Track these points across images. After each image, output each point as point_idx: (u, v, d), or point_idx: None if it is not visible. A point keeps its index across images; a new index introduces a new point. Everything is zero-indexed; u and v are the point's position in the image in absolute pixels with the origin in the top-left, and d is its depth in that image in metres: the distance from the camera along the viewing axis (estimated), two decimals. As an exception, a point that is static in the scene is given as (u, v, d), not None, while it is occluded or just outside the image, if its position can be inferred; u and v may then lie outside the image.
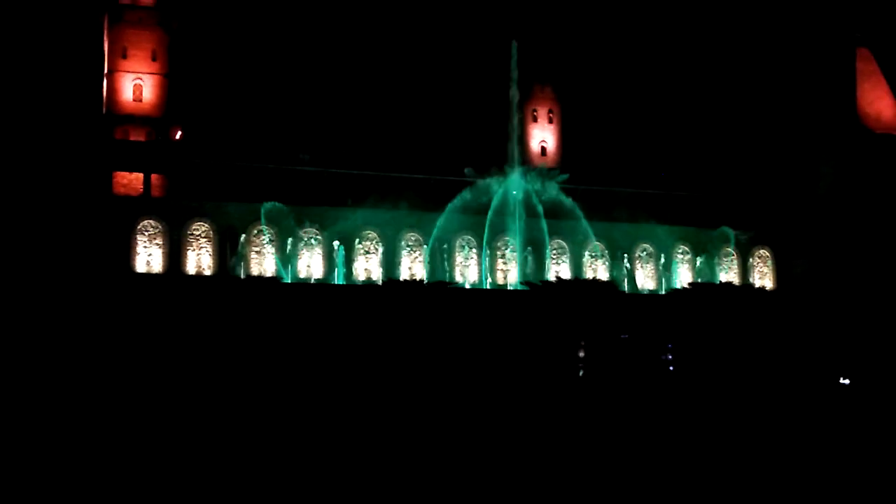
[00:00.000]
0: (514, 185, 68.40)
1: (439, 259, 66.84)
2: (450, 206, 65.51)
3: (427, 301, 58.39)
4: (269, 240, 64.40)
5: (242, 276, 61.99)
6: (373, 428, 37.53)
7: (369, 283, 64.16)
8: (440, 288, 61.13)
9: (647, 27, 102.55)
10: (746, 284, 71.68)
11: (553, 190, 67.82)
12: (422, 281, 63.05)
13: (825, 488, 26.04)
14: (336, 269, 64.60)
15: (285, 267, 63.85)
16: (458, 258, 67.90)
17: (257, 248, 64.35)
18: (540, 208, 67.36)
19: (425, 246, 66.88)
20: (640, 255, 71.87)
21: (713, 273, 72.05)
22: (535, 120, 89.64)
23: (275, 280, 60.69)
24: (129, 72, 76.18)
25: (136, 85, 76.10)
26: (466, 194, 65.74)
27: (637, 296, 67.81)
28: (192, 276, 62.48)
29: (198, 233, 63.43)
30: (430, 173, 69.62)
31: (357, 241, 65.87)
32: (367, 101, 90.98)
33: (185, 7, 79.00)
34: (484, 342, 55.88)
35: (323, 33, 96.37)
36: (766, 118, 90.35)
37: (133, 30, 76.42)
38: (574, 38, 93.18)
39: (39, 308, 52.35)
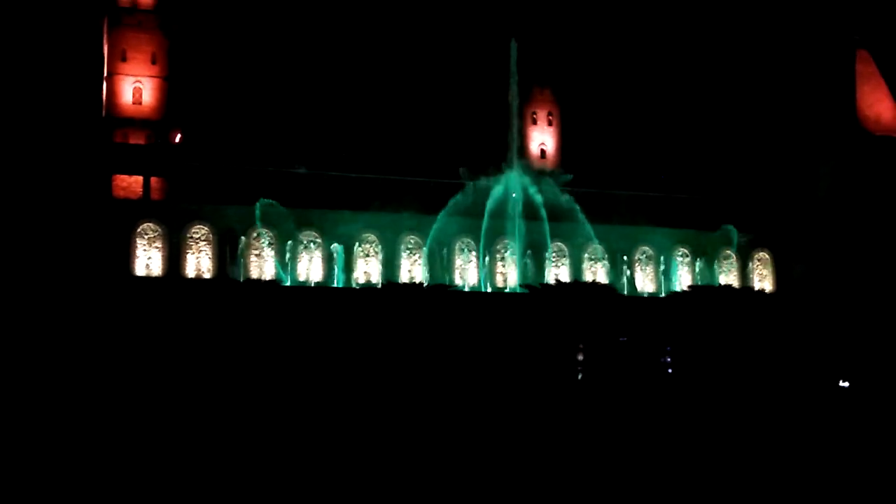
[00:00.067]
0: (513, 187, 68.42)
1: (438, 262, 66.83)
2: (445, 209, 65.49)
3: (426, 304, 58.39)
4: (269, 243, 64.41)
5: (241, 280, 61.98)
6: (373, 430, 37.52)
7: (369, 286, 64.16)
8: (440, 291, 61.13)
9: (646, 29, 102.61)
10: (746, 287, 71.64)
11: (556, 192, 67.83)
12: (421, 284, 63.04)
13: (825, 490, 26.04)
14: (335, 272, 64.62)
15: (284, 270, 63.86)
16: (458, 261, 67.90)
17: (257, 251, 64.35)
18: (542, 210, 67.37)
19: (425, 249, 66.90)
20: (639, 258, 71.85)
21: (713, 276, 72.03)
22: (534, 122, 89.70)
23: (274, 283, 60.69)
24: (128, 75, 76.24)
25: (136, 88, 76.16)
26: (462, 197, 65.75)
27: (636, 299, 67.79)
28: (191, 279, 62.48)
29: (197, 236, 63.43)
30: (430, 176, 69.69)
31: (357, 244, 65.87)
32: (367, 103, 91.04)
33: (184, 10, 79.08)
34: (483, 345, 55.87)
35: (322, 36, 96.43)
36: (766, 120, 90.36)
37: (133, 33, 76.49)
38: (573, 41, 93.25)
39: (39, 311, 52.36)
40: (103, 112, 76.59)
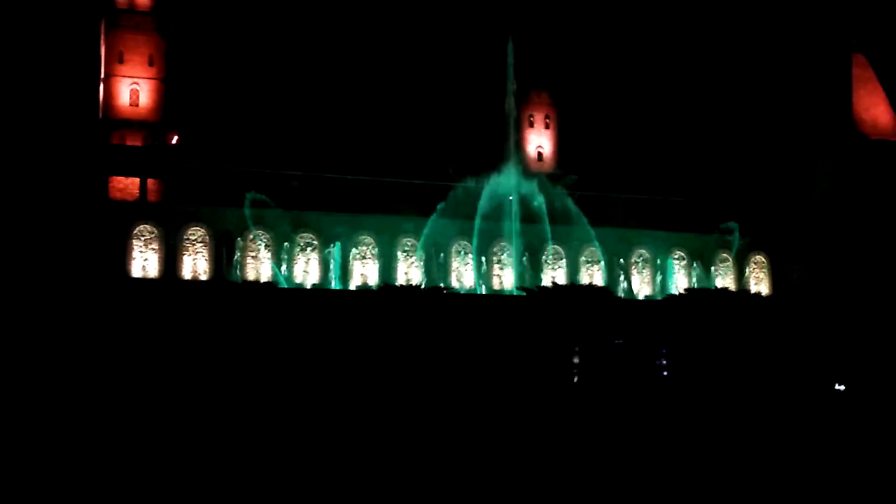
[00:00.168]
0: (509, 190, 68.46)
1: (432, 264, 66.82)
2: (436, 211, 65.50)
3: (423, 306, 58.39)
4: (265, 245, 64.41)
5: (238, 281, 61.97)
6: (370, 432, 37.52)
7: (365, 288, 64.18)
8: (436, 293, 61.15)
9: (643, 32, 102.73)
10: (742, 290, 71.72)
11: (555, 194, 67.88)
12: (418, 286, 63.06)
13: (820, 494, 26.07)
14: (332, 267, 64.51)
15: (281, 271, 63.84)
16: (455, 263, 67.94)
17: (253, 253, 64.34)
18: (544, 211, 67.40)
19: (419, 250, 66.94)
20: (636, 261, 71.92)
21: (709, 279, 72.10)
22: (531, 125, 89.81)
23: (270, 285, 60.66)
24: (125, 76, 76.30)
25: (133, 90, 76.19)
26: (454, 199, 65.76)
27: (633, 301, 67.87)
28: (187, 281, 62.48)
29: (194, 238, 63.43)
30: (427, 178, 69.73)
31: (353, 245, 65.88)
32: (364, 105, 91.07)
33: (181, 12, 79.08)
34: (479, 348, 55.87)
35: (319, 39, 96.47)
36: (763, 124, 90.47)
37: (130, 34, 76.55)
38: (571, 43, 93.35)
39: (36, 313, 52.28)
40: (100, 113, 76.62)
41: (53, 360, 49.71)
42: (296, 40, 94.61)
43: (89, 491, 25.13)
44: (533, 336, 57.66)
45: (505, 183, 68.47)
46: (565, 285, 65.90)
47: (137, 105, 76.19)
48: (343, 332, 55.45)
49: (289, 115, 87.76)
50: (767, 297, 72.27)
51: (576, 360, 58.60)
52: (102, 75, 77.01)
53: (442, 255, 67.28)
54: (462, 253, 67.97)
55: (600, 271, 70.32)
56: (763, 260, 74.96)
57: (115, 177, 68.44)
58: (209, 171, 67.30)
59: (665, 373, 59.63)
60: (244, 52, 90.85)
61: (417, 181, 69.77)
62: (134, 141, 74.79)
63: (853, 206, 73.87)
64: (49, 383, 47.52)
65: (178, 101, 78.07)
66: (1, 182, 60.08)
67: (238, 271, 63.12)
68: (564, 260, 69.68)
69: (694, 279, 71.72)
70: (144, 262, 62.14)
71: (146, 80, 76.55)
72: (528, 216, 68.14)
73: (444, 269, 67.40)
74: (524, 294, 63.38)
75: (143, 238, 62.46)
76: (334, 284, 64.42)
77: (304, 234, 65.23)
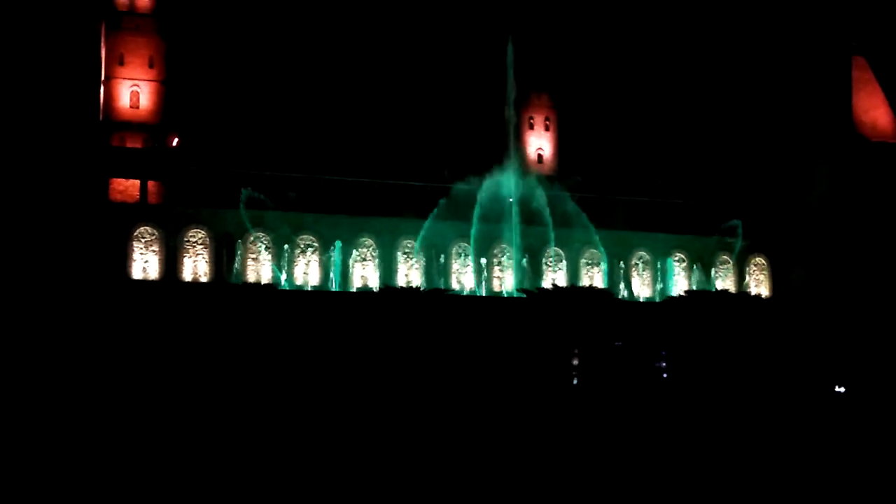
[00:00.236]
0: (510, 192, 68.50)
1: (432, 266, 66.80)
2: (433, 213, 65.50)
3: (423, 308, 58.39)
4: (265, 247, 64.42)
5: (239, 283, 61.97)
6: (370, 434, 37.55)
7: (366, 290, 64.19)
8: (436, 295, 61.14)
9: (643, 35, 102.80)
10: (742, 292, 71.73)
11: (556, 196, 67.90)
12: (418, 288, 63.06)
13: (820, 495, 26.09)
14: (333, 264, 64.45)
15: (281, 272, 63.82)
16: (455, 265, 67.95)
17: (253, 255, 64.35)
18: (548, 214, 67.43)
19: (415, 252, 66.93)
20: (636, 263, 71.93)
21: (709, 280, 72.12)
22: (531, 127, 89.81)
23: (270, 287, 60.65)
24: (126, 78, 76.31)
25: (133, 92, 76.20)
26: (450, 200, 65.77)
27: (633, 303, 67.85)
28: (188, 282, 62.48)
29: (194, 240, 63.43)
30: (427, 181, 69.71)
31: (354, 248, 65.90)
32: (365, 108, 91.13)
33: (182, 14, 79.13)
34: (479, 350, 55.89)
35: (319, 40, 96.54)
36: (763, 126, 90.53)
37: (130, 37, 76.55)
38: (571, 45, 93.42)
39: (36, 315, 52.30)
40: (101, 116, 76.62)
41: (54, 362, 49.73)
42: (296, 42, 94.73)
43: (89, 491, 25.15)
44: (533, 338, 57.69)
45: (505, 185, 68.50)
46: (565, 287, 65.89)
47: (138, 107, 76.20)
48: (343, 335, 55.47)
49: (289, 118, 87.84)
50: (767, 300, 72.25)
51: (575, 362, 58.63)
52: (103, 77, 77.02)
53: (442, 256, 67.26)
54: (462, 255, 67.98)
55: (600, 273, 70.33)
56: (763, 262, 74.96)
57: (115, 179, 68.44)
58: (209, 174, 67.28)
59: (665, 374, 59.66)
60: (244, 55, 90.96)
61: (418, 183, 69.74)
62: (134, 143, 74.81)
63: (853, 208, 73.90)
64: (50, 384, 47.56)
65: (179, 104, 78.12)
66: (2, 184, 60.09)
67: (238, 273, 63.11)
68: (564, 262, 69.64)
69: (694, 281, 71.73)
70: (145, 263, 62.15)
71: (146, 82, 76.56)
72: (529, 218, 68.13)
73: (445, 272, 67.39)
74: (524, 296, 63.37)
75: (143, 240, 62.46)
76: (335, 277, 64.37)
77: (304, 236, 65.23)
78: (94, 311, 53.27)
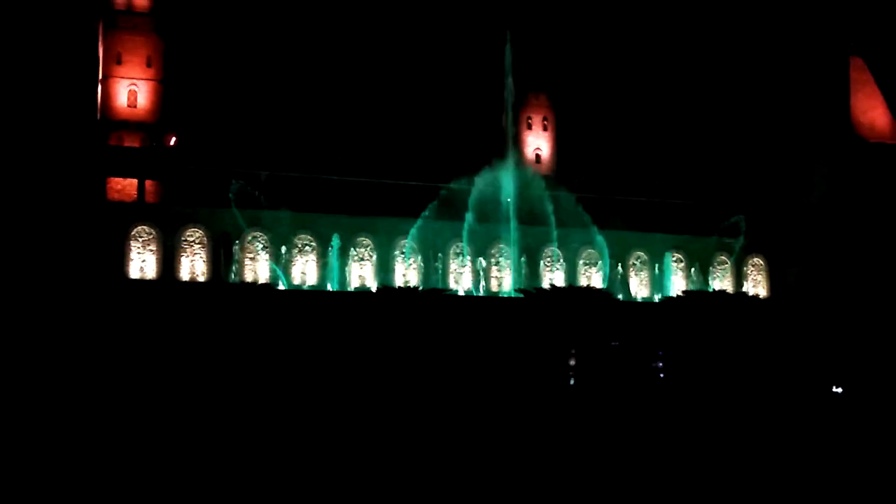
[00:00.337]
0: (507, 192, 68.55)
1: (429, 265, 66.79)
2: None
3: (421, 308, 58.39)
4: (263, 246, 64.40)
5: (237, 283, 61.96)
6: (368, 434, 37.52)
7: (363, 290, 64.19)
8: (434, 295, 61.13)
9: (642, 35, 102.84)
10: (740, 292, 71.79)
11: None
12: (416, 288, 63.05)
13: (819, 496, 26.08)
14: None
15: (279, 269, 63.79)
16: (453, 265, 67.95)
17: (251, 255, 64.33)
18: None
19: (412, 252, 66.94)
20: (633, 263, 71.99)
21: (707, 281, 72.18)
22: (529, 127, 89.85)
23: (268, 286, 60.64)
24: (123, 78, 76.30)
25: (131, 91, 76.18)
26: (456, 201, 65.80)
27: (630, 304, 67.89)
28: (185, 282, 62.46)
29: (192, 239, 63.41)
30: (425, 180, 69.72)
31: (351, 247, 65.91)
32: (363, 107, 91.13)
33: (179, 13, 79.11)
34: (476, 350, 55.88)
35: (317, 40, 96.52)
36: (760, 126, 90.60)
37: (128, 36, 76.55)
38: (569, 46, 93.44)
39: (33, 314, 52.24)
40: (98, 115, 76.61)
41: (52, 362, 49.67)
42: (294, 41, 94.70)
43: (89, 491, 25.12)
44: (530, 338, 57.68)
45: (503, 184, 68.56)
46: (563, 287, 65.91)
47: (135, 106, 76.17)
48: (341, 334, 55.45)
49: (287, 117, 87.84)
50: (765, 300, 72.31)
51: (572, 363, 58.64)
52: (100, 76, 77.00)
53: (440, 256, 67.26)
54: (460, 255, 68.00)
55: (598, 273, 70.37)
56: (761, 262, 75.04)
57: (112, 178, 68.44)
58: (207, 173, 67.26)
59: (661, 375, 59.68)
60: (242, 54, 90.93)
61: (415, 183, 69.75)
62: (132, 142, 74.79)
63: (851, 208, 73.97)
64: (48, 384, 47.49)
65: (177, 103, 78.12)
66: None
67: (235, 272, 63.09)
68: (563, 262, 69.67)
69: (691, 281, 71.77)
70: (142, 263, 62.11)
71: (144, 81, 76.55)
72: (527, 218, 68.18)
73: (443, 272, 67.39)
74: (522, 296, 63.39)
75: (140, 239, 62.42)
76: (333, 273, 64.36)
77: (302, 236, 65.22)
78: (91, 310, 53.21)
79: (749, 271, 74.45)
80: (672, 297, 67.62)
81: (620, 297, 67.76)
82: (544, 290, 64.28)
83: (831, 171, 77.03)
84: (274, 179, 67.51)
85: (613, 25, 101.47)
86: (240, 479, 27.07)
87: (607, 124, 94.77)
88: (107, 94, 76.17)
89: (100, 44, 77.77)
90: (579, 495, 25.80)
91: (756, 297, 71.49)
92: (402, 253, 66.99)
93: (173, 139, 77.04)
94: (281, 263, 64.14)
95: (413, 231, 65.82)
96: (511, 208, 68.18)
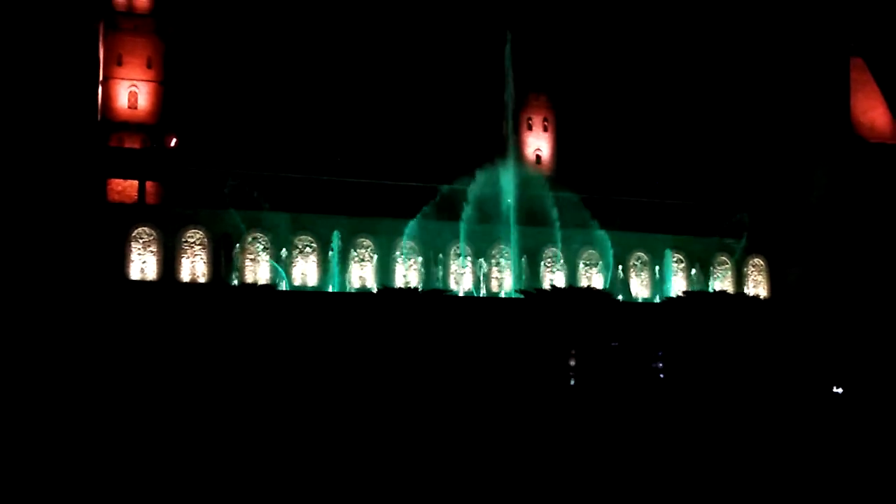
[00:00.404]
0: (508, 192, 68.60)
1: (427, 266, 66.81)
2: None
3: (421, 309, 58.41)
4: (263, 247, 64.43)
5: (236, 284, 62.01)
6: (368, 434, 37.54)
7: (364, 291, 64.22)
8: (435, 296, 61.15)
9: (642, 36, 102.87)
10: (740, 293, 71.77)
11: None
12: (416, 289, 63.07)
13: (819, 496, 26.09)
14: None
15: (279, 265, 63.80)
16: (454, 266, 67.97)
17: (252, 256, 64.36)
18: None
19: (412, 253, 66.97)
20: (634, 264, 72.00)
21: (707, 281, 72.19)
22: (530, 128, 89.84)
23: (269, 287, 60.68)
24: (124, 79, 76.31)
25: (132, 92, 76.19)
26: (450, 201, 65.84)
27: (631, 304, 67.89)
28: (186, 283, 62.48)
29: (192, 240, 63.45)
30: (425, 181, 69.72)
31: (352, 248, 65.94)
32: (363, 109, 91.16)
33: (180, 15, 79.14)
34: (477, 350, 55.90)
35: (317, 41, 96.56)
36: (761, 127, 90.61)
37: (129, 37, 76.55)
38: (570, 46, 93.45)
39: (33, 315, 52.27)
40: (99, 116, 76.61)
41: (52, 363, 49.69)
42: (294, 43, 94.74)
43: (89, 491, 25.14)
44: (530, 339, 57.70)
45: (504, 185, 68.61)
46: (564, 288, 65.92)
47: (136, 107, 76.18)
48: (342, 335, 55.46)
49: (287, 118, 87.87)
50: (765, 300, 72.30)
51: (572, 363, 58.66)
52: (101, 78, 77.02)
53: (440, 257, 67.29)
54: (461, 255, 68.02)
55: (599, 274, 70.39)
56: (761, 263, 75.05)
57: (113, 179, 68.44)
58: (208, 174, 67.28)
59: (661, 375, 59.70)
60: (243, 55, 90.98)
61: (416, 184, 69.74)
62: (132, 143, 74.80)
63: (851, 209, 73.95)
64: (48, 385, 47.51)
65: (177, 104, 78.13)
66: (0, 184, 60.08)
67: (236, 274, 63.12)
68: (563, 263, 69.68)
69: (692, 282, 71.78)
70: (143, 264, 62.15)
71: (145, 82, 76.55)
72: (527, 219, 68.22)
73: (444, 272, 67.41)
74: (522, 297, 63.39)
75: (141, 240, 62.46)
76: (332, 287, 64.41)
77: (303, 237, 65.25)
78: (92, 311, 53.24)
79: (749, 272, 74.45)
80: (672, 298, 67.63)
81: (621, 297, 67.80)
82: (545, 290, 64.29)
83: (831, 171, 77.02)
84: (274, 181, 67.54)
85: (614, 26, 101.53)
86: (241, 479, 27.09)
87: (608, 125, 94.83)
88: (107, 96, 76.19)
89: (100, 45, 77.80)
90: (579, 495, 25.81)
91: (756, 297, 71.47)
92: (402, 253, 66.99)
93: (174, 140, 77.07)
94: (282, 264, 64.16)
95: (408, 230, 65.82)
96: (511, 209, 68.21)
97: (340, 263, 65.03)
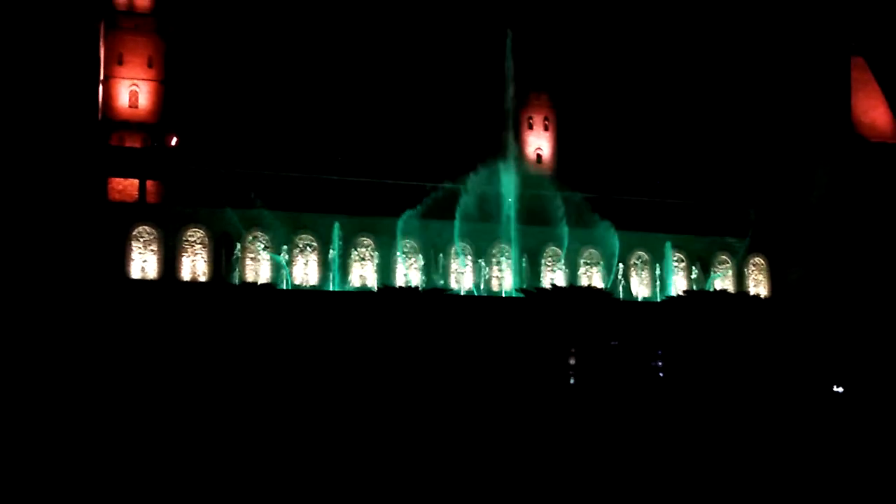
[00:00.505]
0: (509, 191, 68.61)
1: (427, 265, 66.81)
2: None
3: (422, 308, 58.41)
4: (264, 246, 64.46)
5: (237, 283, 62.03)
6: (369, 432, 37.56)
7: (364, 290, 64.21)
8: (435, 295, 61.15)
9: (643, 35, 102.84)
10: (741, 292, 71.75)
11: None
12: (417, 287, 63.07)
13: (819, 495, 26.08)
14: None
15: (280, 273, 63.83)
16: (454, 265, 67.96)
17: (252, 255, 64.38)
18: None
19: (412, 252, 66.96)
20: (635, 263, 71.98)
21: (708, 280, 72.16)
22: (530, 127, 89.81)
23: (269, 286, 60.67)
24: (125, 78, 76.30)
25: (132, 91, 76.19)
26: (449, 200, 65.89)
27: (631, 303, 67.88)
28: (186, 282, 62.50)
29: (193, 239, 63.46)
30: (426, 180, 69.72)
31: (353, 247, 65.95)
32: (364, 108, 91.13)
33: (181, 14, 79.14)
34: (477, 349, 55.91)
35: (318, 41, 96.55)
36: (762, 126, 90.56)
37: (129, 36, 76.54)
38: (570, 46, 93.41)
39: (35, 314, 52.31)
40: (99, 115, 76.62)
41: (53, 361, 49.74)
42: (294, 42, 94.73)
43: (88, 491, 25.15)
44: (531, 337, 57.71)
45: (504, 184, 68.63)
46: (564, 287, 65.91)
47: (137, 107, 76.19)
48: (342, 334, 55.48)
49: (288, 117, 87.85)
50: (766, 299, 72.28)
51: (572, 362, 58.67)
52: (102, 77, 77.02)
53: (440, 256, 67.30)
54: (462, 254, 68.01)
55: (599, 273, 70.40)
56: (762, 262, 75.02)
57: (114, 178, 68.47)
58: (208, 173, 67.31)
59: (661, 374, 59.71)
60: (243, 54, 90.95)
61: (416, 183, 69.71)
62: (133, 142, 74.81)
63: (852, 208, 73.92)
64: (49, 383, 47.56)
65: (178, 103, 78.11)
66: (1, 183, 60.10)
67: (237, 272, 63.14)
68: (564, 262, 69.68)
69: (693, 281, 71.76)
70: (143, 263, 62.17)
71: (145, 81, 76.56)
72: (527, 217, 68.25)
73: (444, 271, 67.40)
74: (523, 296, 63.39)
75: (142, 239, 62.48)
76: (332, 286, 64.40)
77: (303, 236, 65.25)
78: (92, 310, 53.28)
79: (750, 271, 74.44)
80: (673, 297, 67.62)
81: (621, 296, 67.83)
82: (545, 289, 64.28)
83: (832, 170, 76.99)
84: (274, 180, 67.57)
85: (615, 25, 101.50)
86: (241, 477, 27.10)
87: (608, 124, 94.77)
88: (108, 95, 76.20)
89: (101, 44, 77.80)
90: (579, 493, 25.81)
91: (757, 296, 71.46)
92: (405, 253, 66.94)
93: (174, 139, 77.08)
94: (283, 266, 64.14)
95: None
96: (512, 208, 68.20)
97: (341, 259, 65.01)
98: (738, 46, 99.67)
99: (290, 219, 64.87)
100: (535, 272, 68.52)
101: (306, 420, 42.28)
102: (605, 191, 73.96)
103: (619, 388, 55.72)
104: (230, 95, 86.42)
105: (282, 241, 64.35)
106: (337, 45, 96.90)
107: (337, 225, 64.60)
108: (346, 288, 64.53)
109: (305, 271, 65.12)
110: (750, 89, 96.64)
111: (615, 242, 69.42)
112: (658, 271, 71.61)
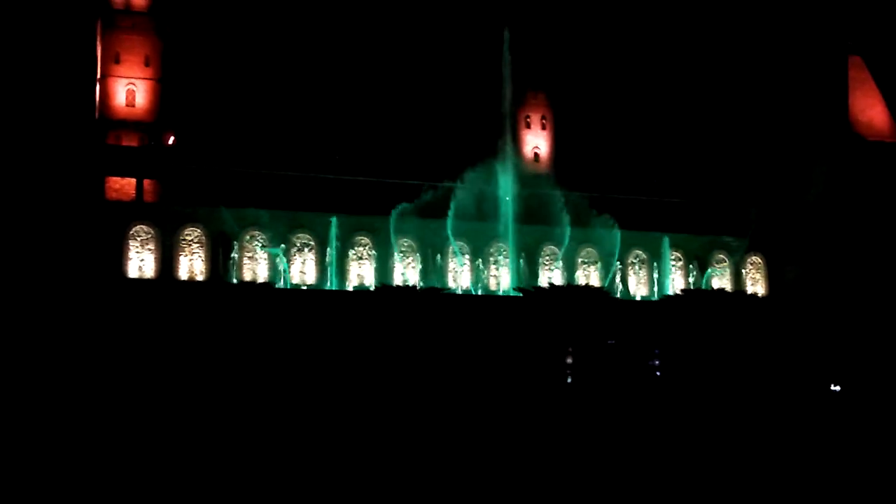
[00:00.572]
0: (507, 190, 68.63)
1: (426, 264, 66.81)
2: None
3: (420, 307, 58.43)
4: (261, 245, 64.42)
5: (234, 282, 62.00)
6: (367, 432, 37.57)
7: (362, 289, 64.18)
8: (433, 294, 61.15)
9: (641, 33, 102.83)
10: (739, 291, 71.79)
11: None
12: (415, 287, 63.07)
13: (817, 495, 26.10)
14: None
15: (279, 272, 63.78)
16: (452, 264, 67.96)
17: (250, 254, 64.33)
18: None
19: (410, 251, 66.95)
20: (632, 262, 71.99)
21: (705, 279, 72.20)
22: (528, 126, 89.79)
23: (267, 285, 60.65)
24: (122, 77, 76.18)
25: (129, 90, 76.08)
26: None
27: (629, 302, 67.90)
28: (184, 281, 62.46)
29: (190, 238, 63.41)
30: (423, 179, 69.69)
31: (350, 246, 65.92)
32: (361, 107, 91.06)
33: (178, 13, 79.04)
34: (475, 348, 55.93)
35: (316, 39, 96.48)
36: (759, 125, 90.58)
37: (126, 35, 76.42)
38: (568, 44, 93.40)
39: (32, 313, 52.27)
40: (96, 114, 76.50)
41: (50, 360, 49.69)
42: (292, 41, 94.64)
43: (88, 490, 25.13)
44: (528, 336, 57.74)
45: (502, 183, 68.65)
46: (562, 286, 65.92)
47: (134, 105, 76.07)
48: (340, 333, 55.49)
49: (285, 116, 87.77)
50: (763, 298, 72.33)
51: (569, 361, 58.71)
52: (99, 76, 76.91)
53: (438, 255, 67.28)
54: (459, 253, 68.01)
55: (597, 272, 70.40)
56: (759, 261, 75.06)
57: (111, 177, 68.38)
58: (206, 172, 67.25)
59: (658, 373, 59.75)
60: (241, 53, 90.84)
61: (413, 182, 69.68)
62: (130, 141, 74.70)
63: (849, 207, 73.99)
64: (46, 383, 47.52)
65: (175, 102, 78.01)
66: (-3, 182, 60.10)
67: (234, 271, 63.09)
68: (561, 260, 69.71)
69: (691, 279, 71.79)
70: (141, 262, 62.12)
71: (142, 80, 76.44)
72: (525, 216, 68.25)
73: (442, 270, 67.38)
74: (520, 295, 63.39)
75: (139, 238, 62.43)
76: (330, 285, 64.37)
77: (301, 235, 65.22)
78: (90, 309, 53.25)
79: (748, 270, 74.49)
80: (670, 296, 67.65)
81: (619, 295, 67.86)
82: (542, 288, 64.30)
83: (830, 169, 77.05)
84: (272, 179, 67.54)
85: (612, 24, 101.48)
86: (240, 477, 27.08)
87: (606, 123, 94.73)
88: (105, 94, 76.08)
89: (98, 43, 77.68)
90: (577, 493, 25.82)
91: (754, 295, 71.50)
92: (402, 252, 66.93)
93: (171, 138, 76.99)
94: (280, 258, 64.08)
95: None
96: (509, 207, 68.22)
97: (339, 258, 64.96)
98: (735, 45, 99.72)
99: (288, 218, 64.82)
100: (532, 271, 68.52)
101: (305, 419, 42.28)
102: (603, 189, 73.96)
103: (617, 386, 55.74)
104: (227, 94, 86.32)
105: (279, 241, 64.32)
106: (334, 44, 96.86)
107: (334, 224, 64.59)
108: (345, 287, 64.53)
109: (303, 270, 65.08)
110: (747, 88, 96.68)
111: (613, 241, 69.43)
112: (656, 271, 71.63)
